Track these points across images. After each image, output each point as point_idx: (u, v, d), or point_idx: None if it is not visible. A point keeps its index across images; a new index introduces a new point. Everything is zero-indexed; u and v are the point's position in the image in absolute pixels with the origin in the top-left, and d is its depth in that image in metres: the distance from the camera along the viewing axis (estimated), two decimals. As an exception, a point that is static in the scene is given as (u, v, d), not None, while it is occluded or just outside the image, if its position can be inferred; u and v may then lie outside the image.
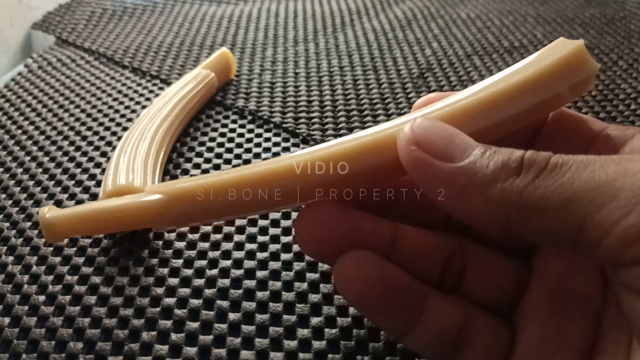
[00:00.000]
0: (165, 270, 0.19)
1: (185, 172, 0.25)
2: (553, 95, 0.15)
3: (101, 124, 0.28)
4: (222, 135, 0.28)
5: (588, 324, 0.13)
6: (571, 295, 0.14)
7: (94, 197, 0.23)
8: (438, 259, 0.15)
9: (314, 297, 0.19)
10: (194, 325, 0.18)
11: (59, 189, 0.23)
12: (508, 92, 0.14)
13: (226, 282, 0.19)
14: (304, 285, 0.19)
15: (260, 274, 0.19)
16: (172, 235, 0.21)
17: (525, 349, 0.14)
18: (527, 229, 0.12)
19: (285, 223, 0.22)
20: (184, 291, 0.19)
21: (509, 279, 0.15)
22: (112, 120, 0.29)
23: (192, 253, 0.20)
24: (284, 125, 0.28)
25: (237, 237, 0.21)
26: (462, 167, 0.12)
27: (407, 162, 0.13)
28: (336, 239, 0.15)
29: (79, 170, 0.25)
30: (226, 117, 0.29)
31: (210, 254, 0.20)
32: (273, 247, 0.20)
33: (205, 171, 0.25)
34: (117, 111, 0.29)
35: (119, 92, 0.31)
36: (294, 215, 0.22)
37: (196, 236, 0.21)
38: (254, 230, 0.21)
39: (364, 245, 0.15)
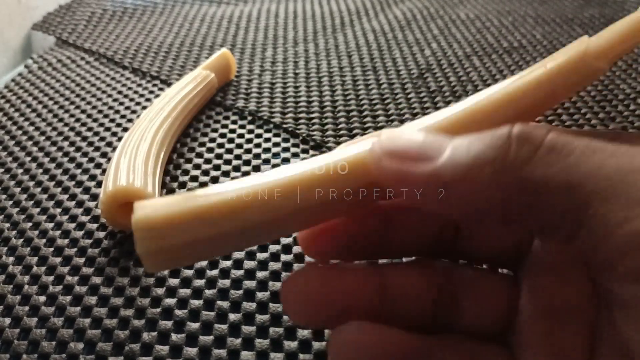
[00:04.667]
0: (166, 271, 0.19)
1: (186, 172, 0.25)
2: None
3: (101, 125, 0.28)
4: (222, 135, 0.28)
5: (584, 337, 0.13)
6: (563, 309, 0.13)
7: (94, 197, 0.23)
8: (429, 298, 0.15)
9: (314, 298, 0.19)
10: (195, 325, 0.18)
11: (59, 189, 0.23)
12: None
13: (226, 282, 0.19)
14: (304, 286, 0.19)
15: (260, 274, 0.19)
16: (173, 236, 0.21)
17: None
18: (527, 212, 0.11)
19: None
20: (185, 292, 0.19)
21: (501, 300, 0.15)
22: (112, 120, 0.29)
23: (193, 254, 0.20)
24: (284, 126, 0.28)
25: (237, 238, 0.21)
26: (444, 163, 0.11)
27: (385, 179, 0.12)
28: (324, 304, 0.14)
29: (79, 170, 0.25)
30: (226, 118, 0.29)
31: (211, 255, 0.20)
32: (273, 248, 0.21)
33: (206, 172, 0.25)
34: (117, 112, 0.30)
35: (119, 92, 0.31)
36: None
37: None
38: (254, 230, 0.21)
39: (354, 306, 0.14)
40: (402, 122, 0.29)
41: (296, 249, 0.20)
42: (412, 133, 0.12)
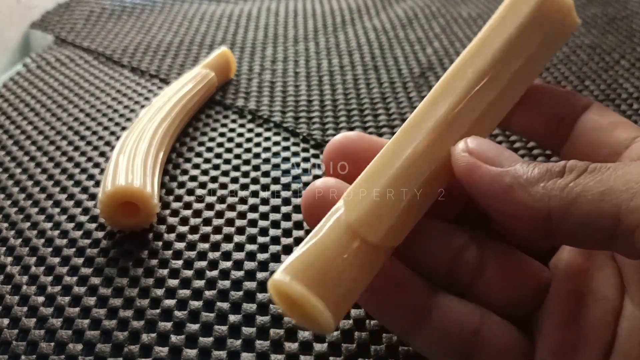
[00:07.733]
0: (165, 272, 0.19)
1: (185, 172, 0.25)
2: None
3: (100, 124, 0.28)
4: (222, 135, 0.27)
5: (607, 326, 0.13)
6: (590, 297, 0.14)
7: (93, 197, 0.23)
8: (446, 253, 0.15)
9: (314, 299, 0.18)
10: (194, 327, 0.18)
11: (57, 189, 0.23)
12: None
13: (226, 283, 0.19)
14: (305, 287, 0.19)
15: (260, 275, 0.19)
16: (172, 236, 0.21)
17: (547, 355, 0.14)
18: (567, 222, 0.12)
19: (285, 225, 0.21)
20: (184, 292, 0.19)
21: (531, 280, 0.15)
22: (111, 120, 0.29)
23: (192, 254, 0.20)
24: (284, 125, 0.28)
25: (237, 238, 0.21)
26: (509, 170, 0.13)
27: (457, 167, 0.14)
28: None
29: (77, 170, 0.25)
30: (226, 117, 0.29)
31: (210, 255, 0.20)
32: (273, 249, 0.20)
33: (205, 172, 0.25)
34: (116, 111, 0.29)
35: (118, 91, 0.31)
36: (295, 217, 0.22)
37: (196, 237, 0.21)
38: (254, 231, 0.21)
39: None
40: (403, 121, 0.28)
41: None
42: (495, 145, 0.14)
